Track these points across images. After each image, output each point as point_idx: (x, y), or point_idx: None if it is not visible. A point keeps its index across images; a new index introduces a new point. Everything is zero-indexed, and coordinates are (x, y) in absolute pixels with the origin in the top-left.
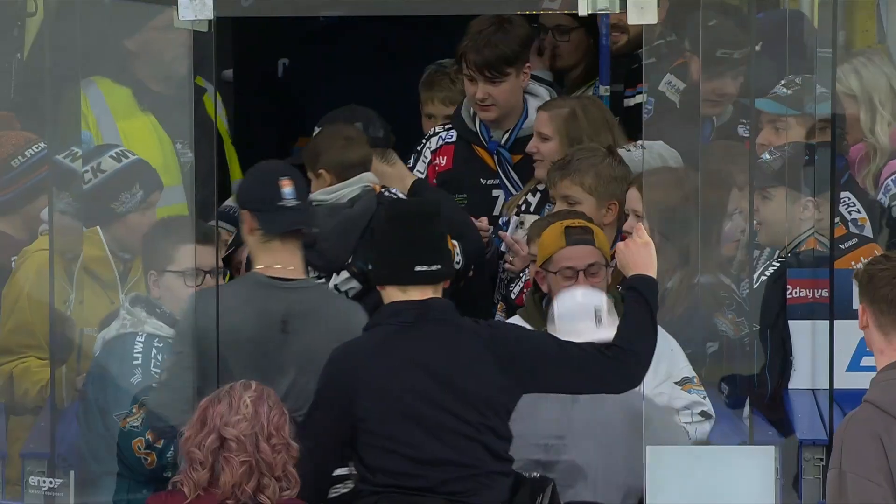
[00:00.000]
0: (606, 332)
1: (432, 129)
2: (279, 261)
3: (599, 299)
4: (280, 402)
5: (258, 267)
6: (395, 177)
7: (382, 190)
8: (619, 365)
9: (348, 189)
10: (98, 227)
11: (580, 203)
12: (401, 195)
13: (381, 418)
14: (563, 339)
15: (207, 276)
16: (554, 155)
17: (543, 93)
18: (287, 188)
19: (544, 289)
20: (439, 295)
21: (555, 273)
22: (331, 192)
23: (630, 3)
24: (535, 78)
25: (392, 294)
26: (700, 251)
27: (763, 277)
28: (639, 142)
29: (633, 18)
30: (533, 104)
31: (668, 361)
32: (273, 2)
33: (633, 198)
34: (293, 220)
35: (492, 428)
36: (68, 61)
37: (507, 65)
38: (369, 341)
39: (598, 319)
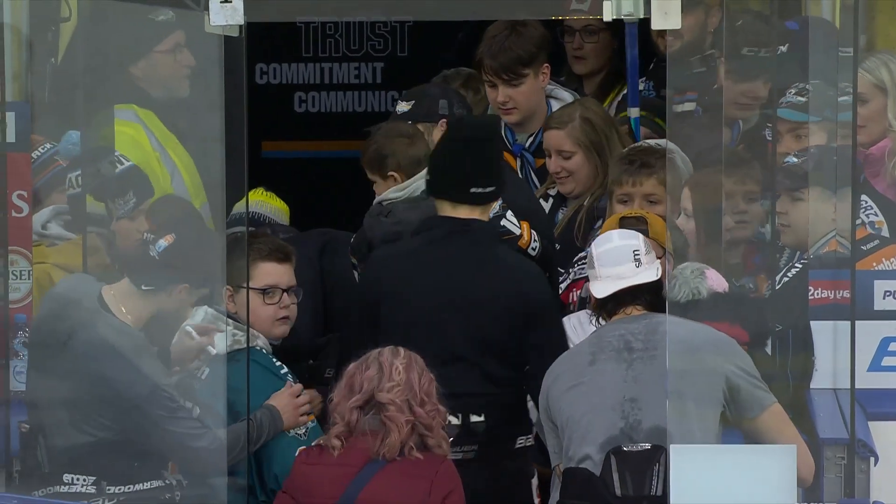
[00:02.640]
0: (647, 273)
1: None
2: None
3: (637, 240)
4: (426, 367)
5: None
6: None
7: None
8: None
9: (419, 182)
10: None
11: (660, 203)
12: None
13: (394, 324)
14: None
15: (285, 294)
16: (581, 168)
17: (567, 96)
18: None
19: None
20: (487, 216)
21: None
22: (401, 189)
23: (654, 8)
24: (558, 82)
25: (444, 208)
26: (723, 254)
27: (786, 279)
28: (651, 140)
29: (657, 23)
30: (557, 108)
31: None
32: (300, 4)
33: (685, 196)
34: None
35: (490, 358)
36: (102, 65)
37: (523, 66)
38: (401, 248)
39: (637, 261)
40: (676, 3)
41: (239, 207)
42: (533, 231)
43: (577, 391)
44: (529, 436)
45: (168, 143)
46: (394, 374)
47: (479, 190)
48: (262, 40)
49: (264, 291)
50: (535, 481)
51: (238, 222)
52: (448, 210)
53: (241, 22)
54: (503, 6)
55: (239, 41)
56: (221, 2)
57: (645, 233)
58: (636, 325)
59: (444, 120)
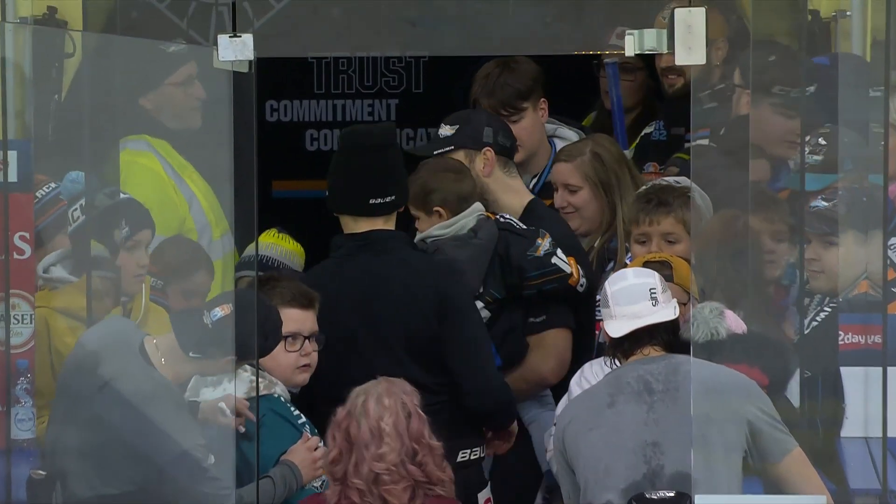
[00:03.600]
0: (664, 312)
1: None
2: None
3: (653, 278)
4: (411, 392)
5: None
6: (512, 189)
7: (498, 217)
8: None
9: (465, 220)
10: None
11: (680, 242)
12: (515, 221)
13: (326, 342)
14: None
15: (307, 341)
16: (588, 205)
17: (572, 135)
18: None
19: None
20: (391, 225)
21: None
22: (447, 227)
23: (678, 43)
24: (562, 122)
25: (346, 224)
26: (750, 293)
27: (814, 323)
28: (669, 178)
29: (681, 59)
30: (561, 147)
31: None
32: (312, 39)
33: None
34: None
35: (412, 365)
36: (108, 102)
37: (521, 99)
38: (316, 272)
39: (653, 300)
40: (701, 38)
41: (250, 250)
42: (581, 268)
43: (596, 434)
44: (476, 448)
45: (184, 172)
46: (383, 435)
47: (379, 200)
48: (272, 76)
49: (285, 338)
50: (484, 493)
51: (247, 266)
52: (350, 225)
53: (251, 57)
54: (526, 42)
55: (248, 77)
56: (230, 37)
57: (669, 278)
58: (655, 366)
59: (489, 148)
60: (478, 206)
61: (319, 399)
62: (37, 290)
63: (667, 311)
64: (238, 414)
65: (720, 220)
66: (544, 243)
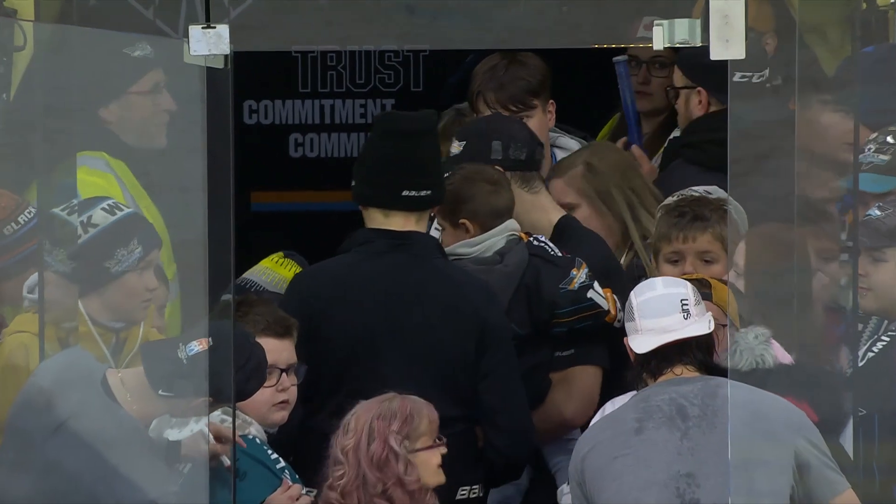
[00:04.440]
0: (697, 326)
1: None
2: None
3: (685, 288)
4: (385, 416)
5: None
6: (537, 207)
7: (531, 238)
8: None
9: (494, 240)
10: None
11: (717, 262)
12: (549, 246)
13: (327, 349)
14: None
15: (284, 375)
16: (589, 221)
17: (574, 145)
18: None
19: None
20: (423, 226)
21: None
22: (474, 245)
23: (713, 36)
24: (564, 130)
25: (373, 217)
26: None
27: (870, 354)
28: (700, 188)
29: (716, 53)
30: (562, 157)
31: None
32: (296, 31)
33: (740, 251)
34: None
35: (435, 393)
36: (63, 102)
37: (532, 96)
38: (334, 266)
39: (685, 312)
40: (740, 29)
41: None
42: (617, 300)
43: (622, 464)
44: (475, 486)
45: (141, 201)
46: (340, 460)
47: (413, 193)
48: (251, 73)
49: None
50: None
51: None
52: (379, 220)
53: (227, 51)
54: (541, 33)
55: (224, 74)
56: (203, 28)
57: (707, 297)
58: (690, 388)
59: (497, 166)
60: (511, 225)
61: (323, 409)
62: (22, 312)
63: (701, 325)
64: (213, 457)
65: (760, 237)
66: (580, 274)
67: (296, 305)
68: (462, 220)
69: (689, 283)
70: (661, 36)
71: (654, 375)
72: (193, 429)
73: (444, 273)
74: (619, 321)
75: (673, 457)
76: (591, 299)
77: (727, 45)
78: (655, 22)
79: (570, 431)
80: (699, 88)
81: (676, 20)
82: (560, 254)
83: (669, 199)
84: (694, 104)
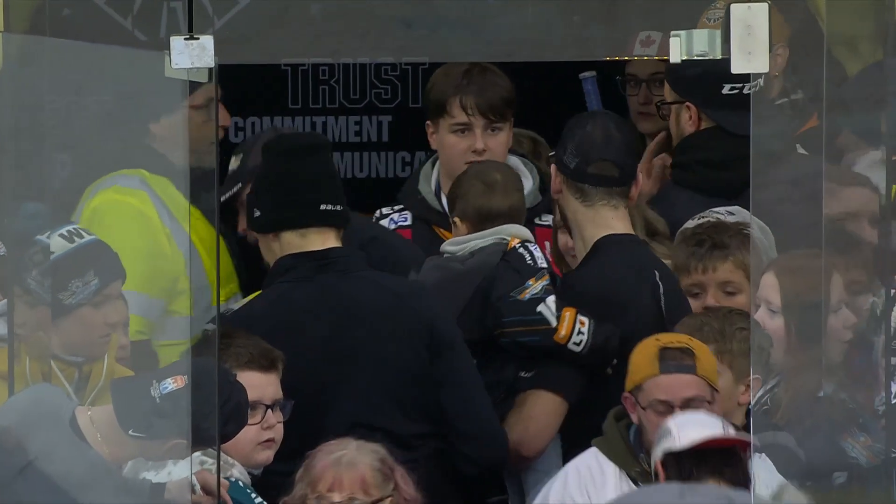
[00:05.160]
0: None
1: (378, 212)
2: None
3: (725, 421)
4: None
5: None
6: (588, 220)
7: (517, 245)
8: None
9: (478, 241)
10: None
11: (741, 292)
12: (533, 254)
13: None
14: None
15: (270, 411)
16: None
17: (517, 162)
18: None
19: (633, 418)
20: (342, 241)
21: (644, 408)
22: (458, 244)
23: (735, 47)
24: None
25: (288, 242)
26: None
27: None
28: (720, 209)
29: (738, 66)
30: None
31: None
32: (286, 42)
33: (769, 285)
34: None
35: (395, 414)
36: (36, 121)
37: (507, 107)
38: (261, 304)
39: (725, 430)
40: (763, 41)
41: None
42: (587, 323)
43: None
44: None
45: (182, 218)
46: None
47: (331, 207)
48: (237, 87)
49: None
50: None
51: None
52: (296, 243)
53: (212, 64)
54: (547, 46)
55: (208, 89)
56: (186, 39)
57: (691, 369)
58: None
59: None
60: (506, 230)
61: (276, 456)
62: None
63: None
64: (207, 488)
65: (790, 268)
66: (536, 286)
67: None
68: (454, 218)
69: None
70: (679, 48)
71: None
72: (172, 472)
73: (377, 284)
74: (576, 344)
75: None
76: (539, 313)
77: (749, 57)
78: (672, 33)
79: (522, 461)
80: (688, 104)
81: (695, 31)
82: (543, 265)
83: (688, 225)
84: (684, 120)
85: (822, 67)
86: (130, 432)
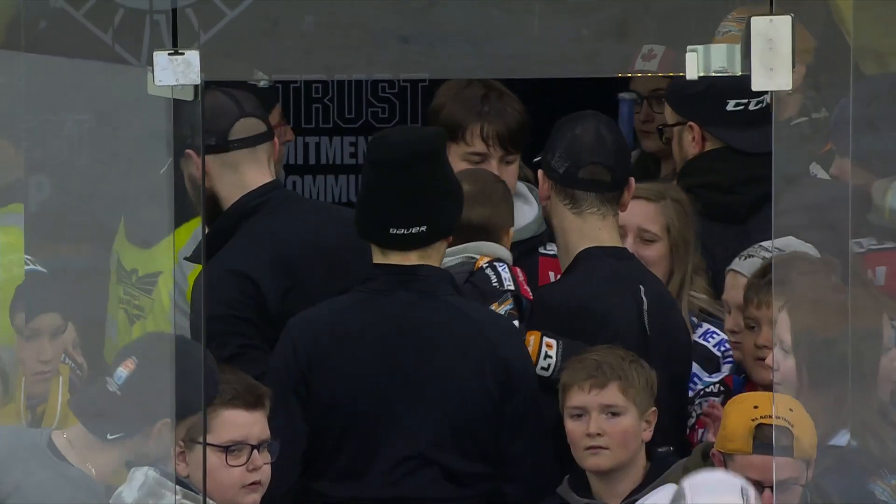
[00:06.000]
0: None
1: None
2: None
3: (745, 483)
4: None
5: None
6: (574, 230)
7: (484, 265)
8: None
9: (449, 259)
10: None
11: None
12: (502, 274)
13: (325, 405)
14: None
15: (256, 452)
16: (659, 263)
17: (524, 190)
18: None
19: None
20: (433, 260)
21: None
22: (446, 256)
23: (756, 62)
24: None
25: (374, 252)
26: (850, 393)
27: None
28: (768, 242)
29: (759, 84)
30: (517, 204)
31: None
32: (276, 58)
33: (782, 323)
34: None
35: (452, 450)
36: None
37: (525, 137)
38: (331, 308)
39: (745, 500)
40: (786, 56)
41: None
42: (554, 345)
43: None
44: None
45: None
46: None
47: (402, 231)
48: None
49: (227, 449)
50: None
51: None
52: (378, 255)
53: (198, 81)
54: (556, 63)
55: (194, 107)
56: (170, 54)
57: (788, 452)
58: None
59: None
60: (473, 247)
61: (327, 473)
62: None
63: None
64: None
65: (808, 301)
66: (497, 311)
67: (289, 356)
68: None
69: (753, 490)
70: (696, 64)
71: None
72: (149, 475)
73: (457, 310)
74: (544, 368)
75: None
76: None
77: (771, 74)
78: (688, 48)
79: None
80: (690, 124)
81: (712, 45)
82: (510, 287)
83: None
84: (687, 142)
85: (849, 84)
86: (108, 437)
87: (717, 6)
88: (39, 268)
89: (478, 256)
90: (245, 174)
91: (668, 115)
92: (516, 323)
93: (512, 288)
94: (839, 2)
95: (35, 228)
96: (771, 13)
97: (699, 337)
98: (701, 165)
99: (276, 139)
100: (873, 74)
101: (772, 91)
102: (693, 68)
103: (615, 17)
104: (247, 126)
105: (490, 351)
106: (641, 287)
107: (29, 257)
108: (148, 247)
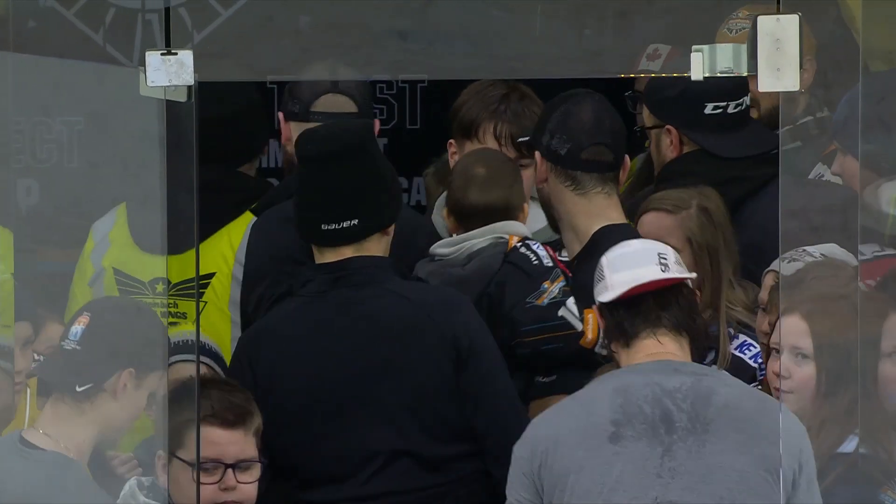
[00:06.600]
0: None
1: None
2: None
3: (663, 247)
4: None
5: None
6: (583, 211)
7: (518, 244)
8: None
9: (474, 241)
10: None
11: None
12: (538, 253)
13: (282, 423)
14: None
15: (231, 471)
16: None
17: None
18: None
19: None
20: (370, 251)
21: None
22: (451, 245)
23: (762, 63)
24: None
25: (315, 254)
26: (860, 401)
27: None
28: (814, 249)
29: (765, 84)
30: (532, 208)
31: None
32: (272, 58)
33: (795, 329)
34: None
35: (419, 442)
36: None
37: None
38: (275, 318)
39: (663, 265)
40: (794, 56)
41: (182, 332)
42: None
43: (589, 479)
44: None
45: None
46: None
47: (333, 226)
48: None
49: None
50: None
51: (182, 350)
52: (317, 256)
53: (191, 82)
54: (558, 62)
55: (188, 109)
56: (163, 54)
57: None
58: (676, 384)
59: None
60: (501, 227)
61: (296, 487)
62: None
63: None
64: None
65: (815, 308)
66: (552, 288)
67: (242, 372)
68: (444, 211)
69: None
70: (701, 64)
71: (628, 343)
72: (131, 485)
73: (396, 295)
74: (601, 347)
75: (651, 479)
76: (561, 318)
77: (778, 74)
78: (694, 47)
79: None
80: (668, 127)
81: (718, 45)
82: (550, 264)
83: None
84: (665, 146)
85: (858, 82)
86: (77, 388)
87: (723, 5)
88: (7, 275)
89: (506, 236)
90: None
91: (647, 117)
92: (571, 299)
93: (551, 265)
94: (848, 1)
95: (23, 233)
96: (778, 12)
97: (735, 349)
98: (678, 168)
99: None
100: (881, 71)
101: (781, 91)
102: (698, 68)
103: (617, 14)
104: (328, 102)
105: (435, 328)
106: None
107: None
108: (179, 252)
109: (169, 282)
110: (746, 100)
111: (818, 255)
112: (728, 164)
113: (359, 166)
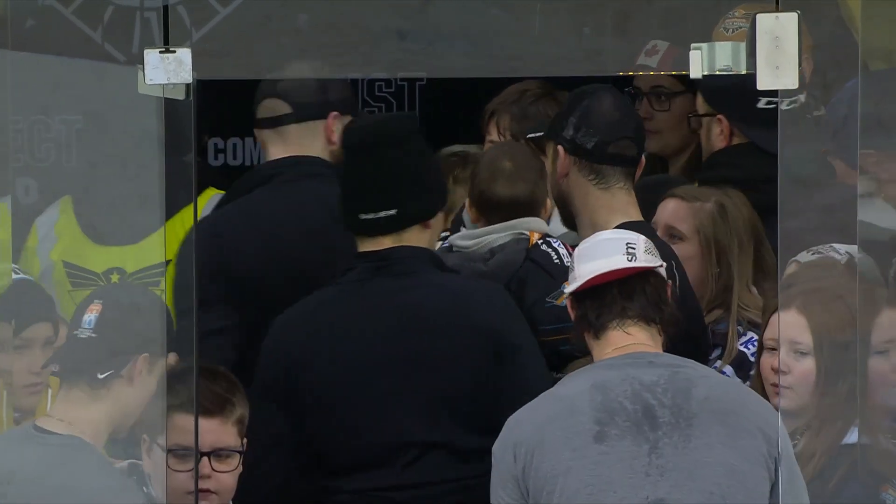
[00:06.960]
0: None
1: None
2: None
3: (634, 237)
4: None
5: None
6: (604, 206)
7: (539, 242)
8: None
9: (494, 236)
10: None
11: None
12: (560, 251)
13: (312, 405)
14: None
15: (207, 459)
16: (687, 262)
17: None
18: None
19: None
20: (410, 243)
21: None
22: (472, 238)
23: (761, 61)
24: None
25: (357, 244)
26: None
27: None
28: (844, 247)
29: (764, 82)
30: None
31: None
32: (270, 56)
33: (794, 324)
34: None
35: (456, 427)
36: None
37: (547, 139)
38: (313, 304)
39: (630, 255)
40: (792, 54)
41: None
42: None
43: (576, 480)
44: None
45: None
46: None
47: (371, 216)
48: (217, 105)
49: (171, 452)
50: None
51: None
52: (359, 245)
53: (189, 80)
54: (558, 61)
55: (186, 107)
56: (161, 52)
57: None
58: (653, 377)
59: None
60: (523, 223)
61: (326, 474)
62: None
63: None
64: None
65: (814, 303)
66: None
67: (275, 357)
68: (466, 202)
69: (642, 236)
70: (700, 61)
71: (597, 334)
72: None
73: (437, 286)
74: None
75: (640, 478)
76: None
77: (777, 72)
78: (693, 45)
79: None
80: (719, 116)
81: (717, 43)
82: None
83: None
84: (715, 135)
85: (857, 81)
86: (99, 376)
87: (722, 4)
88: (27, 276)
89: (527, 233)
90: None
91: (700, 105)
92: None
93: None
94: (848, 0)
95: (22, 232)
96: (777, 10)
97: (741, 344)
98: (725, 159)
99: (330, 120)
100: (880, 70)
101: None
102: (697, 66)
103: (617, 13)
104: (266, 107)
105: (474, 321)
106: (673, 263)
107: (16, 266)
108: (134, 242)
109: (124, 271)
110: (802, 97)
111: (843, 253)
112: (775, 160)
113: (399, 157)
